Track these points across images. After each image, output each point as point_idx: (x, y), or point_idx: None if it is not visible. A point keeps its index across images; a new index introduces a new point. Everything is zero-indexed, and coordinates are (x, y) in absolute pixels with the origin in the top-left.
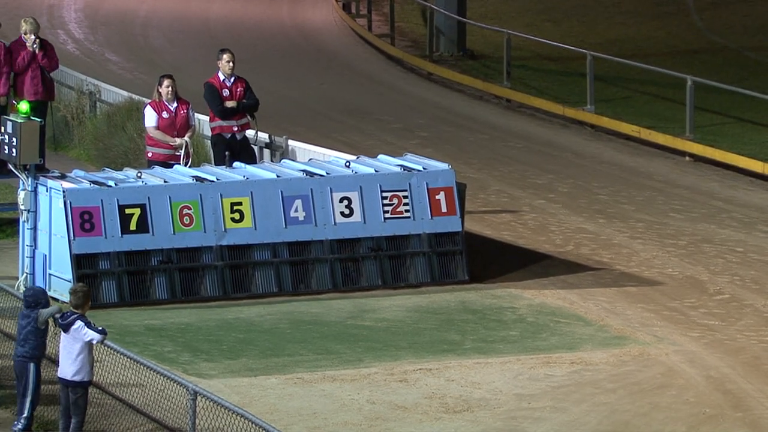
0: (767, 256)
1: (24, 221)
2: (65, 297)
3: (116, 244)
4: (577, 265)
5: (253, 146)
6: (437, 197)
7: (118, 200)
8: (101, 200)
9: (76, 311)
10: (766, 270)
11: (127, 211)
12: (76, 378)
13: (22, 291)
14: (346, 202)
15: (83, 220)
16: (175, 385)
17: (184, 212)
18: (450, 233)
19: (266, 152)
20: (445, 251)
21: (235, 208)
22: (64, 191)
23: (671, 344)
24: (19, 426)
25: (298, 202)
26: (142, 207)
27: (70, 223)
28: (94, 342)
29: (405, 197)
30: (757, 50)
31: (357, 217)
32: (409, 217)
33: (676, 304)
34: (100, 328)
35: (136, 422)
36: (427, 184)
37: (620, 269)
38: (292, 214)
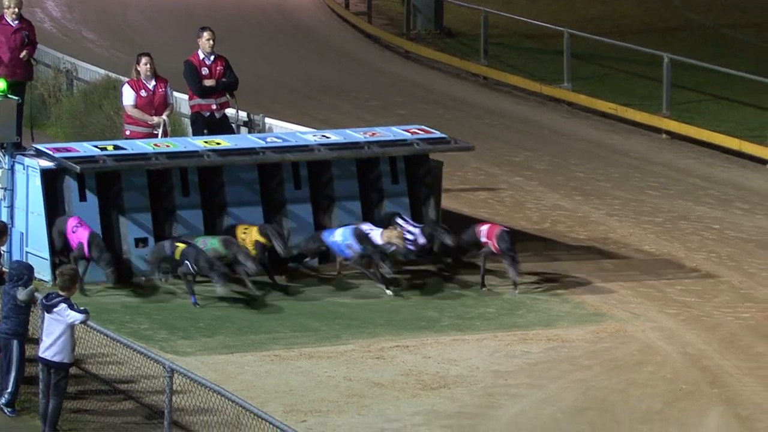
0: (744, 233)
1: (1, 199)
2: (42, 275)
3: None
4: (553, 242)
5: (232, 124)
6: None
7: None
8: None
9: (61, 293)
10: (743, 247)
11: None
12: (56, 359)
13: None
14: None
15: None
16: (151, 362)
17: None
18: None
19: (244, 130)
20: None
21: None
22: (41, 169)
23: (648, 321)
24: (3, 400)
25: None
26: None
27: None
28: (77, 323)
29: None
30: (734, 27)
31: None
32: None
33: (653, 281)
34: (83, 308)
35: (113, 400)
36: None
37: (597, 246)
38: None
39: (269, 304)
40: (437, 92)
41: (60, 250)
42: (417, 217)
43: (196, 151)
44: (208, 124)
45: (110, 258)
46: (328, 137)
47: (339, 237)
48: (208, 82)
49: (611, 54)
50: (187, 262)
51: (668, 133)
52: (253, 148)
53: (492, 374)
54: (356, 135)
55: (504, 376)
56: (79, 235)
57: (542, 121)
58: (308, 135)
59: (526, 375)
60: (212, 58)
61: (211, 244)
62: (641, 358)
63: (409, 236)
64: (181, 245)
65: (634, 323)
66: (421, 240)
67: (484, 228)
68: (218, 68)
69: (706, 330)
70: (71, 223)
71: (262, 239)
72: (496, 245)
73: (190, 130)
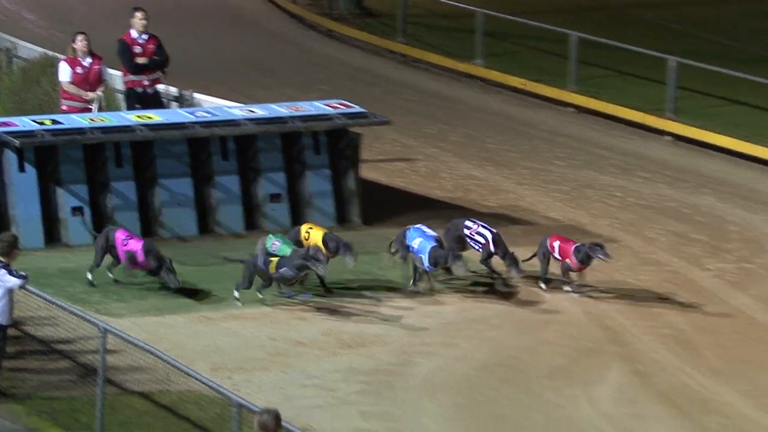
0: (645, 200)
1: None
2: None
3: None
4: (466, 209)
5: (163, 100)
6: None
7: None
8: None
9: (1, 260)
10: (643, 213)
11: None
12: None
13: None
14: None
15: None
16: (86, 323)
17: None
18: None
19: (174, 105)
20: (342, 197)
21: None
22: None
23: (554, 284)
24: None
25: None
26: None
27: None
28: (16, 288)
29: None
30: (638, 7)
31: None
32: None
33: None
34: (22, 274)
35: (50, 359)
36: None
37: (507, 213)
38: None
39: (198, 268)
40: (358, 69)
41: (101, 256)
42: (337, 188)
43: (129, 126)
44: (140, 99)
45: (170, 265)
46: (254, 112)
47: (416, 245)
48: (141, 60)
49: (523, 32)
50: (284, 269)
51: (575, 106)
52: (183, 123)
53: (407, 333)
54: (281, 110)
55: (419, 336)
56: (131, 246)
57: (456, 96)
58: (235, 110)
59: (440, 334)
60: (145, 37)
61: (281, 250)
62: (548, 318)
63: (480, 239)
64: (275, 258)
65: (541, 285)
66: (492, 248)
67: (556, 243)
68: (150, 47)
69: (608, 291)
70: (120, 236)
71: (323, 248)
72: (576, 262)
73: (123, 104)
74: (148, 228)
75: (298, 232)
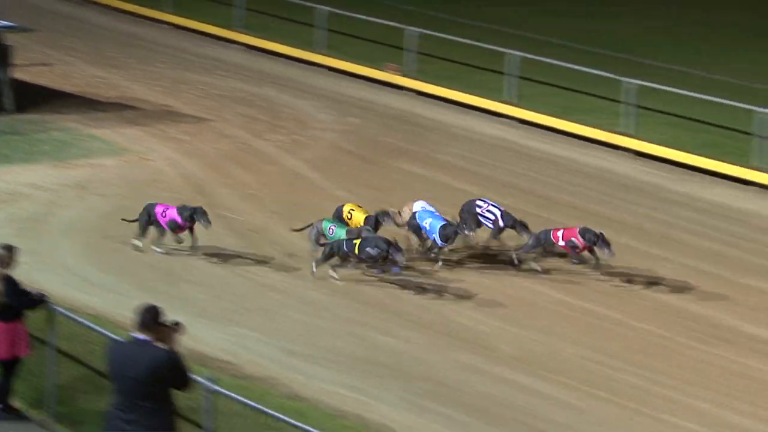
0: (222, 91)
1: None
2: None
3: None
4: (93, 101)
5: None
6: None
7: None
8: None
9: None
10: (221, 101)
11: None
12: None
13: None
14: None
15: None
16: None
17: None
18: None
19: None
20: None
21: None
22: None
23: (157, 153)
24: None
25: None
26: None
27: None
28: None
29: None
30: None
31: None
32: None
33: (161, 125)
34: None
35: None
36: None
37: (123, 102)
38: None
39: None
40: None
41: (145, 229)
42: None
43: None
44: None
45: (198, 210)
46: None
47: (428, 225)
48: None
49: None
50: (368, 249)
51: (171, 24)
52: None
53: (50, 192)
54: None
55: (56, 193)
56: (169, 214)
57: (86, 17)
58: None
59: (74, 190)
60: None
61: (337, 234)
62: (155, 177)
63: (489, 215)
64: (357, 241)
65: (148, 156)
66: (502, 223)
67: (559, 233)
68: None
69: (194, 158)
70: (159, 210)
71: (367, 227)
72: (583, 241)
73: None
74: None
75: (341, 211)
